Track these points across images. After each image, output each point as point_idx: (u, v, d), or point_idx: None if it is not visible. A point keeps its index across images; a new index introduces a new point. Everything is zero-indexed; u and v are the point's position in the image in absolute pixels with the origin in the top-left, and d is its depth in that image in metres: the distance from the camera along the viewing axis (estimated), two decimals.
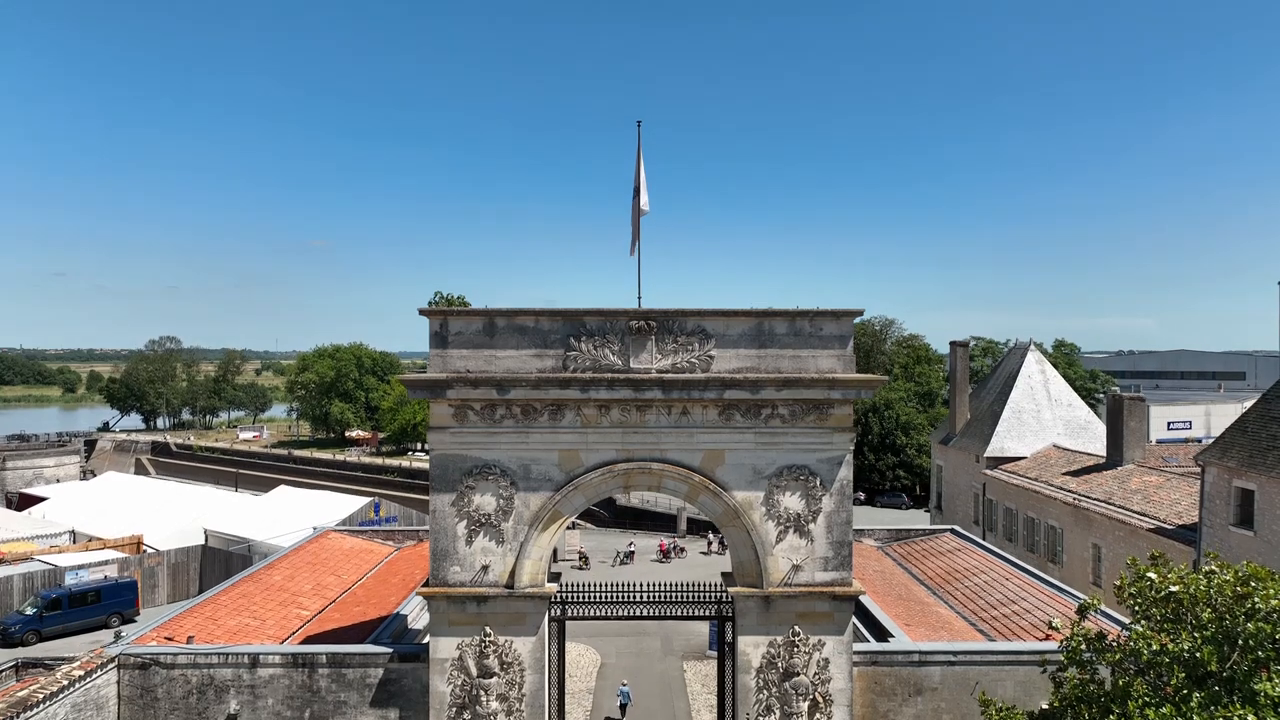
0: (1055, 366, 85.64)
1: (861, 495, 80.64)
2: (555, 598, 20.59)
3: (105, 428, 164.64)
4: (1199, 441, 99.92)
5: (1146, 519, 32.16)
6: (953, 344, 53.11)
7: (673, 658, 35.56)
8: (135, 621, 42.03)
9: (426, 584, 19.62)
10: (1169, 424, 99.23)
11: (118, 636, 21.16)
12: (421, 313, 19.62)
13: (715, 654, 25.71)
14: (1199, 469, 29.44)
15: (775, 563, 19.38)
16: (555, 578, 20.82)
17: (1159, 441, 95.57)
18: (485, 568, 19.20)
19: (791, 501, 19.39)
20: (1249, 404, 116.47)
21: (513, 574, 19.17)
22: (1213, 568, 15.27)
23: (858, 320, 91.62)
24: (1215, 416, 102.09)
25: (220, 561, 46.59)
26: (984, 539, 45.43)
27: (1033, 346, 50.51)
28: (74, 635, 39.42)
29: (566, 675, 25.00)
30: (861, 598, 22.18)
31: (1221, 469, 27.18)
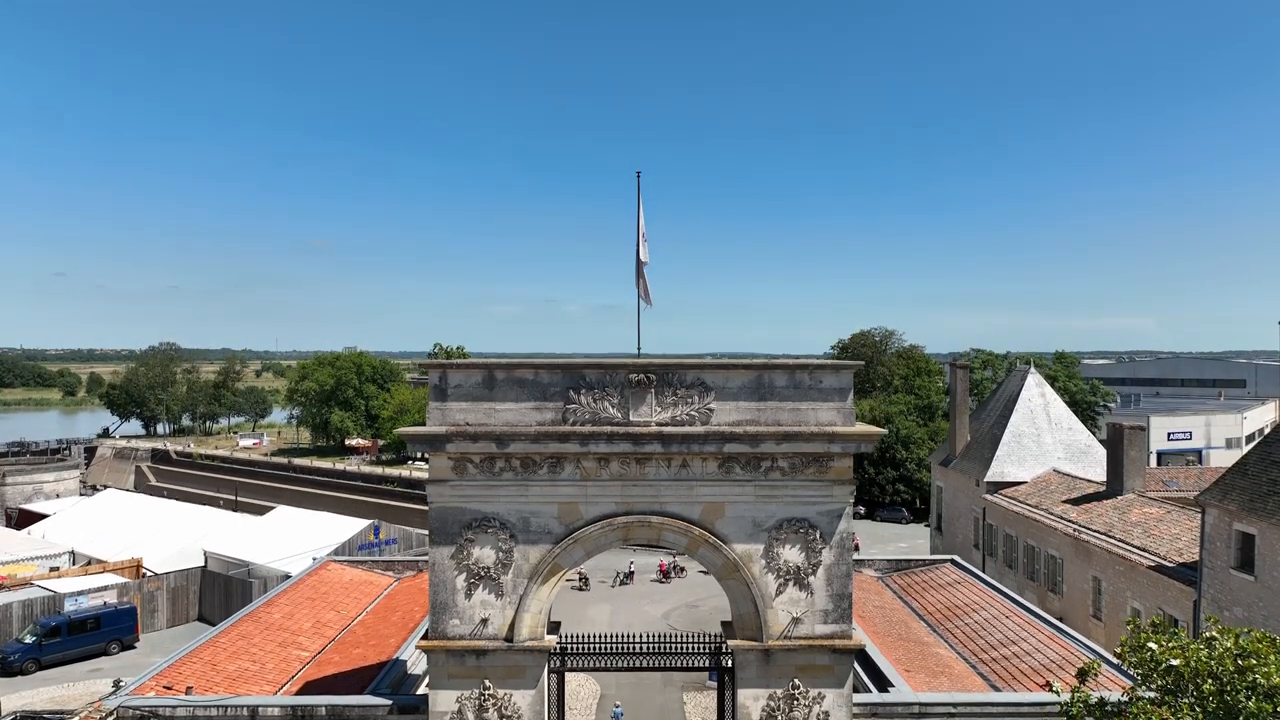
0: (1056, 379, 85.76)
1: (862, 509, 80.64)
2: (555, 649, 20.56)
3: (105, 434, 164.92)
4: (1198, 453, 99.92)
5: (1147, 555, 32.06)
6: (952, 366, 53.03)
7: (672, 688, 35.59)
8: (135, 648, 42.08)
9: (426, 636, 19.59)
10: (1169, 434, 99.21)
11: (116, 686, 21.15)
12: (421, 365, 19.74)
13: (715, 684, 25.69)
14: (1199, 503, 29.34)
15: (775, 615, 19.34)
16: (555, 628, 20.81)
17: (1159, 453, 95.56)
18: (484, 621, 19.17)
19: (791, 554, 19.35)
20: (1249, 414, 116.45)
21: (512, 627, 19.13)
22: (1213, 633, 15.25)
23: (857, 332, 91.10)
24: (1215, 427, 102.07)
25: (220, 585, 46.55)
26: (984, 564, 45.40)
27: (1033, 370, 50.43)
28: (73, 663, 39.38)
29: (566, 708, 24.98)
30: (860, 639, 22.20)
31: (1222, 511, 27.11)
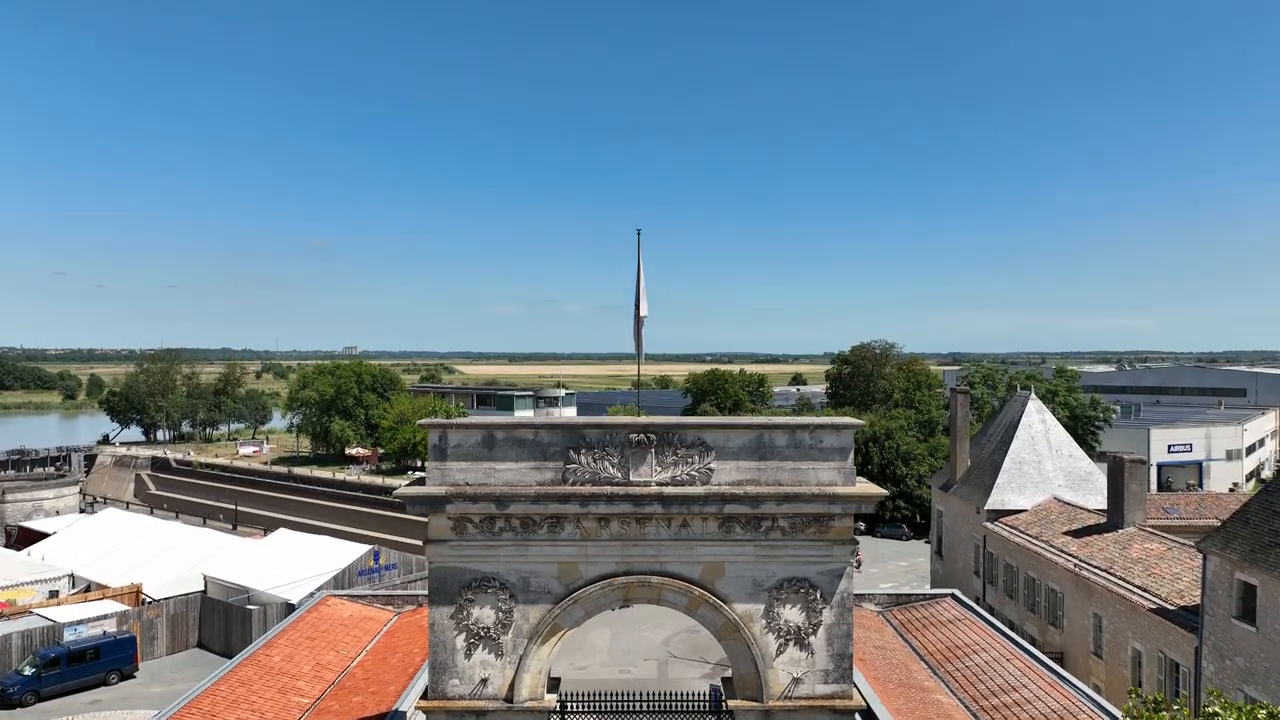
0: (1056, 394, 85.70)
1: (862, 525, 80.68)
2: (555, 707, 20.51)
3: (105, 440, 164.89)
4: (1198, 465, 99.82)
5: (1148, 596, 31.99)
6: (953, 390, 53.04)
7: None
8: (135, 677, 42.02)
9: (425, 695, 19.57)
10: (1169, 447, 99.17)
11: None
12: (421, 425, 19.66)
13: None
14: (1200, 549, 29.30)
15: (775, 675, 19.30)
16: (554, 685, 20.77)
17: (1159, 465, 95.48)
18: (484, 681, 19.13)
19: (791, 614, 19.32)
20: (1249, 424, 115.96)
21: (512, 687, 19.09)
22: (1215, 708, 15.26)
23: (857, 344, 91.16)
24: (1215, 439, 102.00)
25: (219, 612, 46.47)
26: (984, 592, 45.35)
27: (1033, 395, 50.35)
28: (73, 694, 39.27)
29: None
30: (861, 685, 22.15)
31: (1224, 560, 27.04)
